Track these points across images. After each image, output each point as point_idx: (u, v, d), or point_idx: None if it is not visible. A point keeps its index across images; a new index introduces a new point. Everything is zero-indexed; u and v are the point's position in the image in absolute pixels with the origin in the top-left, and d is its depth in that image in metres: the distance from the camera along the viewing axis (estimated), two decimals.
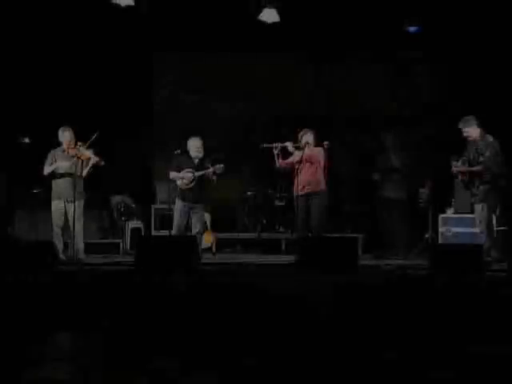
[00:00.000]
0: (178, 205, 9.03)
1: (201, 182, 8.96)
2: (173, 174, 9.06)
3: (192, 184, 8.93)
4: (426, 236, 9.98)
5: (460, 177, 8.62)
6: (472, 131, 8.52)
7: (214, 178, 8.95)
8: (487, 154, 8.43)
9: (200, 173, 8.89)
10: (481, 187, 8.47)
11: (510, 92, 10.32)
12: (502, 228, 9.30)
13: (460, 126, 8.55)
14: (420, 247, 10.00)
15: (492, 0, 9.39)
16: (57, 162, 8.94)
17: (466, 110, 8.91)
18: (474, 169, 8.48)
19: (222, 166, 8.85)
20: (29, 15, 10.20)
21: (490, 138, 8.50)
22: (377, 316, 5.92)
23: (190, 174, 8.93)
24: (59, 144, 9.04)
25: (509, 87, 10.35)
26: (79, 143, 8.87)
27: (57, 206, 8.95)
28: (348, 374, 4.19)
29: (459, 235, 9.62)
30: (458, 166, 8.53)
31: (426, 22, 10.38)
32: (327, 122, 11.28)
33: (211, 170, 8.83)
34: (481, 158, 8.45)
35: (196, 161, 9.02)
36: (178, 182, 9.02)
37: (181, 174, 8.98)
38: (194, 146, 9.02)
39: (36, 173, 9.10)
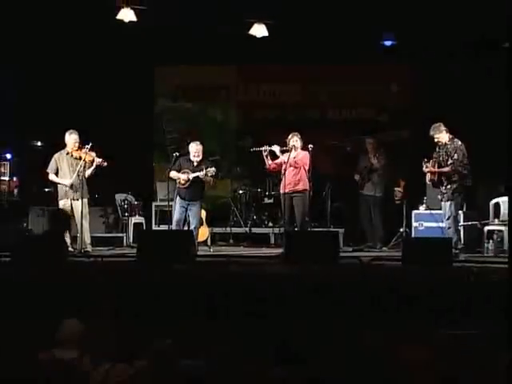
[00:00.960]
0: (177, 202, 9.18)
1: (197, 182, 9.07)
2: (172, 174, 9.23)
3: (188, 184, 9.06)
4: (401, 230, 10.01)
5: (429, 176, 8.66)
6: (442, 136, 8.58)
7: (208, 179, 9.09)
8: (455, 156, 8.49)
9: (194, 174, 9.04)
10: (448, 186, 8.53)
11: (475, 99, 10.40)
12: (468, 223, 9.35)
13: (431, 132, 8.60)
14: (395, 240, 10.03)
15: (461, 11, 9.40)
16: (61, 179, 8.93)
17: (436, 116, 8.98)
18: (444, 170, 8.54)
19: (213, 169, 9.04)
20: (44, 32, 10.22)
21: (459, 142, 8.57)
22: (356, 303, 5.97)
23: (186, 175, 9.05)
24: (64, 146, 9.05)
25: (474, 95, 10.43)
26: (87, 146, 8.89)
27: (64, 204, 8.97)
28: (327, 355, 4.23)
29: (430, 229, 9.65)
30: (428, 167, 8.58)
31: (399, 34, 10.45)
32: (313, 127, 11.33)
33: (203, 172, 8.97)
34: (449, 161, 8.51)
35: (194, 163, 9.13)
36: (177, 181, 9.14)
37: (179, 174, 9.09)
38: (193, 151, 9.19)
39: (46, 177, 9.12)
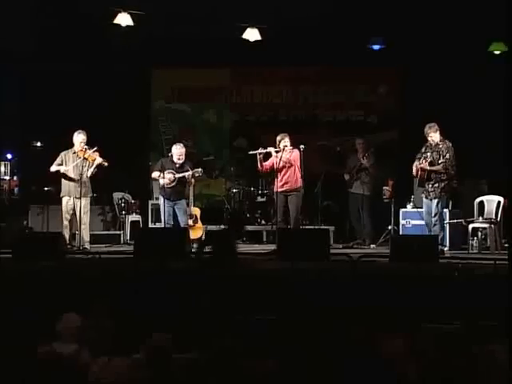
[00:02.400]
0: (163, 203, 9.20)
1: (182, 182, 9.15)
2: (154, 174, 9.30)
3: (173, 184, 9.11)
4: (389, 228, 10.03)
5: (419, 173, 8.64)
6: (435, 136, 8.58)
7: (192, 180, 9.20)
8: (447, 156, 8.51)
9: (180, 175, 9.10)
10: (436, 185, 8.55)
11: (461, 101, 10.44)
12: (454, 221, 9.37)
13: (426, 130, 8.60)
14: (383, 237, 10.04)
15: (449, 14, 9.42)
16: (63, 166, 8.94)
17: (423, 118, 8.99)
18: (435, 168, 8.53)
19: (200, 169, 9.17)
20: (45, 35, 10.19)
21: (450, 143, 8.59)
22: (346, 298, 5.99)
23: (171, 175, 9.09)
24: (71, 145, 9.04)
25: (460, 97, 10.47)
26: (86, 146, 8.92)
27: (67, 202, 8.99)
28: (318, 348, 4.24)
29: (417, 227, 9.67)
30: (422, 163, 8.55)
31: (387, 37, 10.46)
32: (304, 128, 11.36)
33: (190, 172, 9.06)
34: (441, 159, 8.51)
35: (177, 165, 9.19)
36: (161, 181, 9.19)
37: (163, 175, 9.13)
38: (177, 153, 9.23)
39: (47, 173, 9.12)
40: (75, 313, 4.82)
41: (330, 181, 10.67)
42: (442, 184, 8.51)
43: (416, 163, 8.63)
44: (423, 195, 8.75)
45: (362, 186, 10.17)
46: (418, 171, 8.64)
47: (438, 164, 8.52)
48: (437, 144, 8.59)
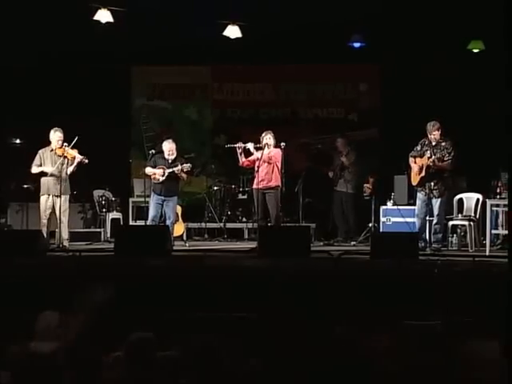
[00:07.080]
0: (153, 197, 9.16)
1: (172, 177, 9.08)
2: (148, 170, 9.24)
3: (163, 179, 9.06)
4: (369, 225, 10.04)
5: (424, 171, 8.40)
6: (438, 134, 8.49)
7: (183, 175, 9.15)
8: (453, 153, 8.44)
9: (170, 170, 9.04)
10: (439, 183, 8.44)
11: (443, 98, 10.48)
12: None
13: (429, 128, 8.43)
14: (364, 235, 10.05)
15: (432, 11, 9.44)
16: (43, 166, 8.84)
17: (403, 116, 9.02)
18: (444, 165, 8.38)
19: (189, 165, 9.11)
20: (22, 31, 10.07)
21: (451, 140, 8.53)
22: (327, 295, 5.98)
23: (161, 170, 9.06)
24: (48, 143, 8.95)
25: (442, 94, 10.51)
26: (65, 144, 8.83)
27: (45, 200, 8.88)
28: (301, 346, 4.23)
29: (397, 224, 9.69)
30: (432, 158, 8.32)
31: (368, 34, 10.46)
32: (285, 125, 11.35)
33: (179, 167, 9.01)
34: (448, 157, 8.39)
35: (169, 161, 9.16)
36: (152, 178, 9.14)
37: (154, 170, 9.11)
38: (167, 149, 9.20)
39: (27, 170, 9.02)
40: (53, 311, 4.76)
41: (311, 178, 10.68)
42: (445, 182, 8.46)
43: (418, 160, 8.46)
44: (421, 194, 8.55)
45: (345, 184, 10.20)
46: (421, 169, 8.42)
47: (445, 161, 8.39)
48: (438, 142, 8.45)
